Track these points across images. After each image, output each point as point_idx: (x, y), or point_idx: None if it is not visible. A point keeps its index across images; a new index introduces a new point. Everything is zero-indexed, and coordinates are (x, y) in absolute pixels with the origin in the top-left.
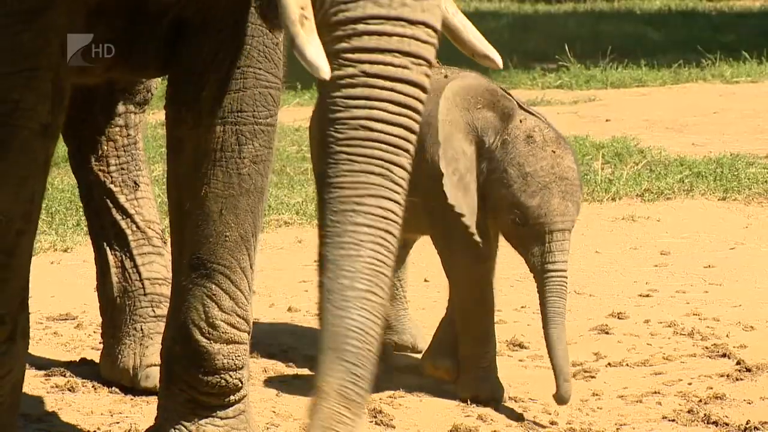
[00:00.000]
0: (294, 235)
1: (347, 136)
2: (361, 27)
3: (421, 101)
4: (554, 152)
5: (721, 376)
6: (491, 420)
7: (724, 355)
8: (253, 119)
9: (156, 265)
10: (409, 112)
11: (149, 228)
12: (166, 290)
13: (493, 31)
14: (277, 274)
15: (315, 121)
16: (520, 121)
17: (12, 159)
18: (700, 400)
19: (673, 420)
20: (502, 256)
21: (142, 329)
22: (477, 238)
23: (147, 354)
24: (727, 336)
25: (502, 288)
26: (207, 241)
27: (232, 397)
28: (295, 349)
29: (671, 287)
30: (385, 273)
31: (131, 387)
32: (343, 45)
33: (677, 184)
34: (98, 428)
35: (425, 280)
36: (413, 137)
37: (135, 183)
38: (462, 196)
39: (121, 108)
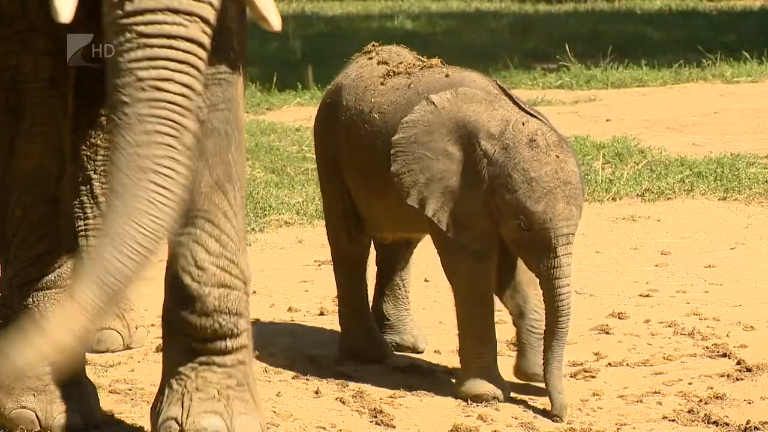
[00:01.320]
0: (294, 235)
1: (134, 98)
2: None
3: (200, 58)
4: (558, 157)
5: (722, 376)
6: (491, 420)
7: (724, 355)
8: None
9: None
10: (189, 69)
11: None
12: None
13: (493, 31)
14: (277, 274)
15: (317, 120)
16: (522, 124)
17: (30, 118)
18: (701, 400)
19: (674, 420)
20: None
21: None
22: (466, 240)
23: None
24: (727, 336)
25: None
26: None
27: (228, 343)
28: (295, 349)
29: (672, 287)
30: (163, 208)
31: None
32: (119, 11)
33: (678, 184)
34: (98, 428)
35: (425, 280)
36: (193, 93)
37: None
38: (434, 198)
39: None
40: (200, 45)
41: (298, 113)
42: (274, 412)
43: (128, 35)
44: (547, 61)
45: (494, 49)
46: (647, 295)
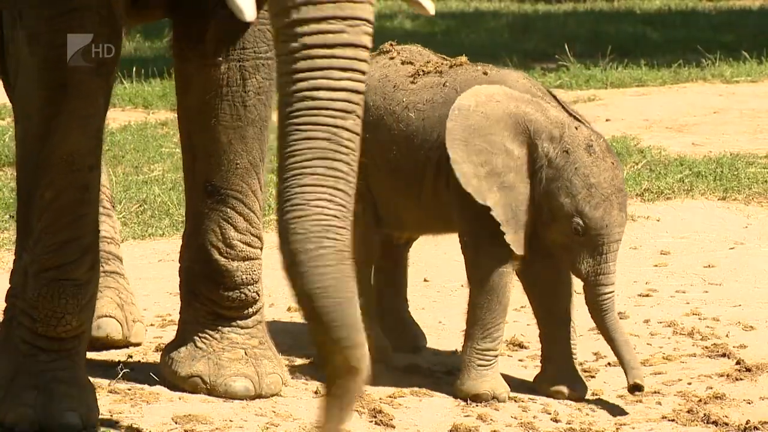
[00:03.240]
0: None
1: (294, 109)
2: None
3: (363, 60)
4: (613, 164)
5: (721, 375)
6: (491, 420)
7: (723, 355)
8: (254, 54)
9: (105, 225)
10: (352, 74)
11: (100, 192)
12: (114, 248)
13: (493, 30)
14: (277, 273)
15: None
16: (576, 128)
17: (72, 101)
18: (700, 400)
19: (673, 420)
20: None
21: None
22: (510, 238)
23: (98, 306)
24: (726, 336)
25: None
26: (219, 169)
27: (250, 309)
28: (294, 349)
29: (671, 287)
30: (338, 227)
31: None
32: (285, 20)
33: (677, 183)
34: (98, 428)
35: (425, 280)
36: (359, 97)
37: None
38: (493, 192)
39: None
40: (363, 47)
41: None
42: (274, 412)
43: (293, 45)
44: (547, 60)
45: (493, 48)
46: (647, 295)
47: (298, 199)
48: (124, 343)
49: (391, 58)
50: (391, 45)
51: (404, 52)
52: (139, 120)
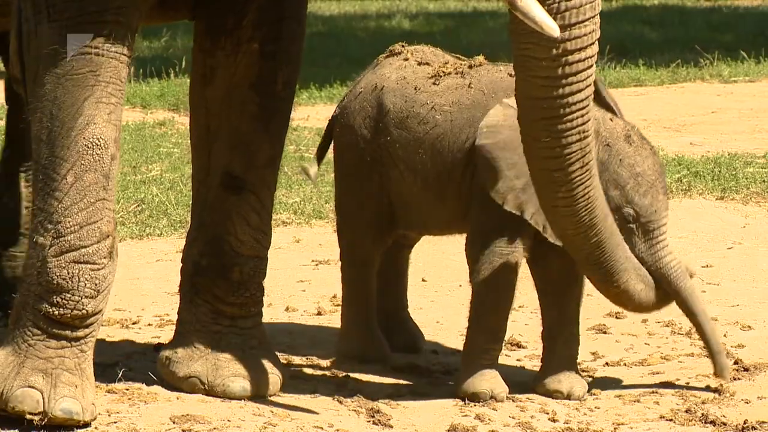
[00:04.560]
0: (292, 235)
1: (552, 115)
2: (562, 5)
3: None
4: (651, 150)
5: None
6: (489, 419)
7: None
8: (287, 46)
9: None
10: (592, 69)
11: None
12: None
13: (492, 31)
14: (275, 273)
15: (349, 122)
16: (611, 120)
17: (104, 86)
18: (698, 400)
19: (671, 419)
20: None
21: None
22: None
23: None
24: (724, 335)
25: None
26: (239, 161)
27: (253, 309)
28: (292, 349)
29: None
30: None
31: None
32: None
33: (675, 183)
34: (96, 428)
35: (423, 280)
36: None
37: None
38: (532, 203)
39: None
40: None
41: (295, 113)
42: (272, 412)
43: (553, 51)
44: None
45: (492, 48)
46: None
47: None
48: None
49: (405, 59)
50: (402, 46)
51: (417, 52)
52: (137, 120)
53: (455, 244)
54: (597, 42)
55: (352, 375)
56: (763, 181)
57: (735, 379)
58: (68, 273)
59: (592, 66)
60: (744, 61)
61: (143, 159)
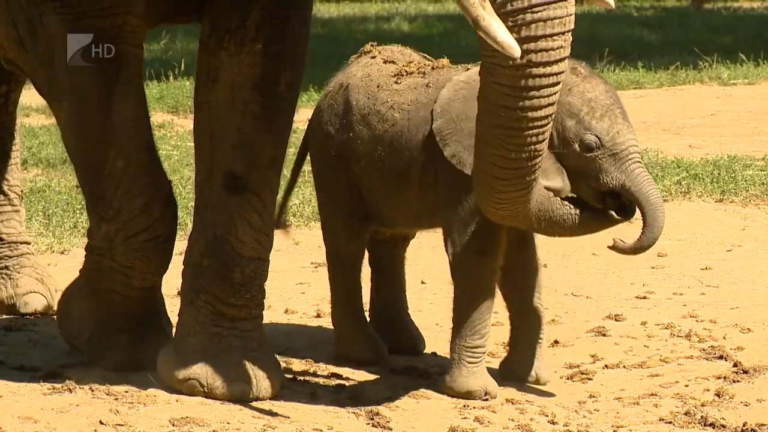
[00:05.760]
0: (290, 237)
1: (509, 125)
2: (528, 16)
3: (565, 70)
4: (602, 80)
5: (718, 378)
6: (488, 422)
7: (721, 357)
8: (291, 47)
9: (13, 221)
10: (558, 87)
11: (11, 191)
12: (23, 237)
13: None
14: (274, 275)
15: (318, 120)
16: None
17: (127, 71)
18: (698, 402)
19: (670, 422)
20: None
21: (6, 267)
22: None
23: (20, 285)
24: (724, 338)
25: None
26: (241, 160)
27: (254, 311)
28: (291, 351)
29: (668, 289)
30: None
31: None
32: (514, 36)
33: (674, 186)
34: (95, 430)
35: (422, 282)
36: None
37: (6, 153)
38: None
39: (3, 88)
40: (566, 58)
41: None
42: (271, 414)
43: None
44: None
45: None
46: (644, 297)
47: None
48: (52, 313)
49: (373, 57)
50: (372, 45)
51: (385, 51)
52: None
53: None
54: (565, 60)
55: (351, 377)
56: (762, 183)
57: (734, 382)
58: (144, 253)
59: (557, 84)
60: (743, 63)
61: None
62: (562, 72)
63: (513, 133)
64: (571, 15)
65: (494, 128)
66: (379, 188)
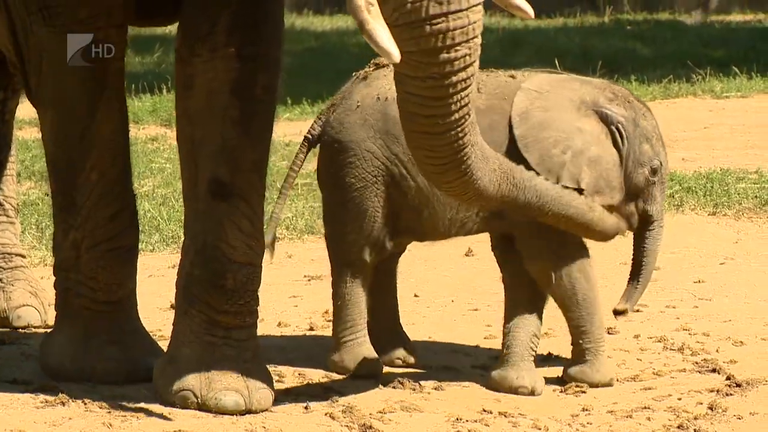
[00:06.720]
0: (284, 250)
1: (419, 130)
2: (427, 29)
3: (475, 73)
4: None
5: (711, 391)
6: None
7: (714, 371)
8: (266, 50)
9: (8, 233)
10: (468, 89)
11: (6, 202)
12: (17, 249)
13: (484, 45)
14: (267, 288)
15: (353, 135)
16: (612, 85)
17: (110, 88)
18: (690, 416)
19: None
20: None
21: (1, 279)
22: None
23: (13, 298)
24: (717, 351)
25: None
26: (225, 166)
27: (248, 319)
28: (284, 364)
29: (661, 302)
30: None
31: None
32: (413, 48)
33: (667, 199)
34: None
35: (415, 295)
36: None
37: (1, 163)
38: (584, 171)
39: (0, 95)
40: (475, 63)
41: (288, 128)
42: (264, 427)
43: (421, 73)
44: None
45: (485, 64)
46: (636, 310)
47: None
48: (45, 327)
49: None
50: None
51: None
52: (129, 135)
53: (447, 260)
54: (473, 65)
55: (344, 390)
56: (755, 196)
57: (727, 395)
58: (108, 262)
59: (465, 89)
60: (736, 76)
61: (135, 174)
62: (471, 77)
63: (430, 138)
64: (474, 23)
65: (411, 133)
66: (427, 202)
